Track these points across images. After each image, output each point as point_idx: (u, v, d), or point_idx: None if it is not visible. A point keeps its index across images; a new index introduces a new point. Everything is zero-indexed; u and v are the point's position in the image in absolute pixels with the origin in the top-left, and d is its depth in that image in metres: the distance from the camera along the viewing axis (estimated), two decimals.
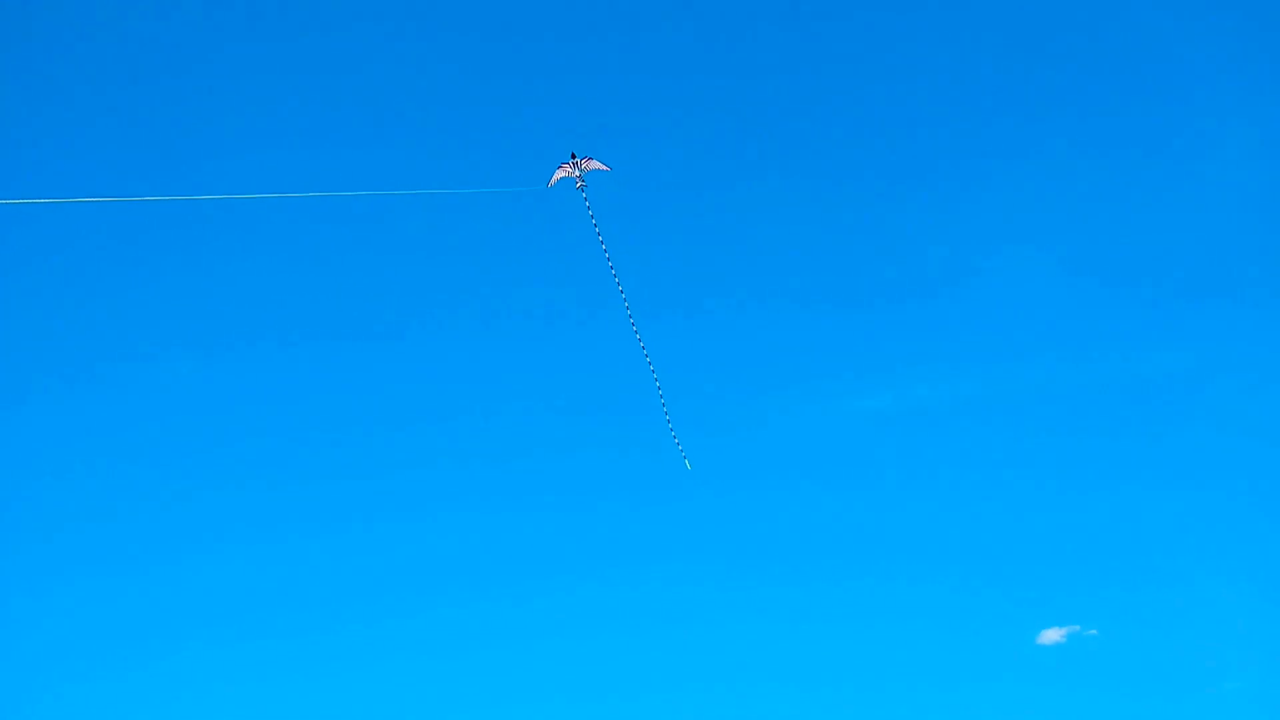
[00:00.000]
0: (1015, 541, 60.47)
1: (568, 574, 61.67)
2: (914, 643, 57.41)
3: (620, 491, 64.48)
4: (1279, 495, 58.34)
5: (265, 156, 72.22)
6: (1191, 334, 65.91)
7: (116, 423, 66.49)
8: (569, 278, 70.49)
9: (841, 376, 67.47)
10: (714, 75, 75.39)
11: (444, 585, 61.73)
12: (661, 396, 44.57)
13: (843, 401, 66.71)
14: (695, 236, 73.47)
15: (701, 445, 48.43)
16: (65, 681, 56.48)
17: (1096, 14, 71.71)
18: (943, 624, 57.80)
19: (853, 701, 55.90)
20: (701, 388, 66.22)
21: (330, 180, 67.95)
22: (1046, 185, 71.29)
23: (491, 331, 70.88)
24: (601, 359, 68.37)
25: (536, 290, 71.70)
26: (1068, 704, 55.16)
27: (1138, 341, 66.38)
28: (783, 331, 69.74)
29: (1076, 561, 59.65)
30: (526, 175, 44.49)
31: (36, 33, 69.58)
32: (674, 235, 73.34)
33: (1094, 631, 57.48)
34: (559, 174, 42.18)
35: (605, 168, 42.10)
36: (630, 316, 43.65)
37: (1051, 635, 57.52)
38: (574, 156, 41.81)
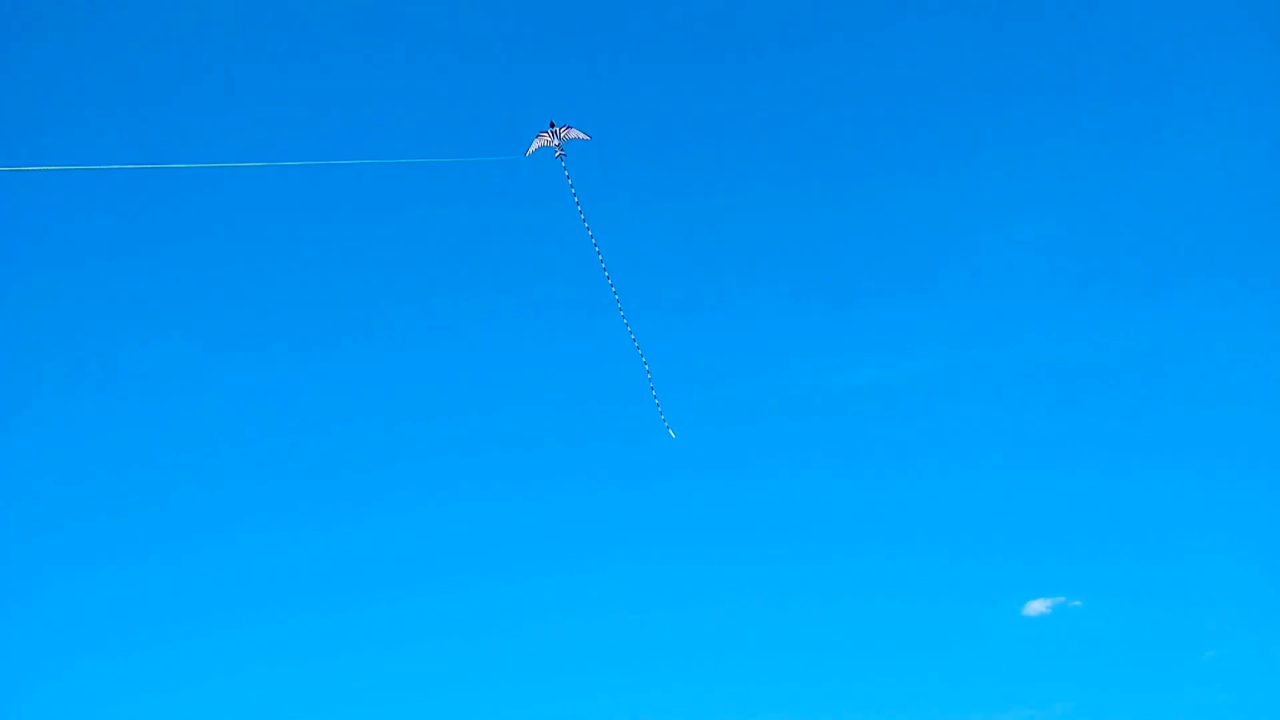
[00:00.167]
0: (1001, 514, 60.87)
1: (553, 557, 61.80)
2: (900, 614, 57.90)
3: (604, 471, 64.70)
4: (1262, 468, 58.77)
5: (230, 123, 71.59)
6: (1175, 310, 66.33)
7: (115, 422, 66.57)
8: (547, 249, 70.51)
9: (826, 353, 67.69)
10: (694, 57, 75.31)
11: (431, 574, 61.61)
12: (644, 359, 44.28)
13: (827, 377, 66.92)
14: (678, 212, 73.44)
15: (686, 420, 48.16)
16: (62, 674, 56.43)
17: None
18: (929, 595, 58.26)
19: (839, 673, 56.39)
20: (685, 364, 66.22)
21: (298, 151, 67.56)
22: (1029, 166, 71.36)
23: (468, 309, 70.94)
24: (583, 335, 68.56)
25: (514, 264, 71.74)
26: (1053, 674, 55.64)
27: (1122, 318, 66.74)
28: (767, 307, 70.07)
29: (1061, 534, 60.05)
30: (505, 146, 44.27)
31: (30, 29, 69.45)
32: (656, 210, 73.26)
33: (1078, 603, 57.88)
34: (537, 143, 41.71)
35: (585, 136, 41.68)
36: (611, 286, 43.38)
37: (1037, 606, 57.91)
38: (553, 125, 41.34)
